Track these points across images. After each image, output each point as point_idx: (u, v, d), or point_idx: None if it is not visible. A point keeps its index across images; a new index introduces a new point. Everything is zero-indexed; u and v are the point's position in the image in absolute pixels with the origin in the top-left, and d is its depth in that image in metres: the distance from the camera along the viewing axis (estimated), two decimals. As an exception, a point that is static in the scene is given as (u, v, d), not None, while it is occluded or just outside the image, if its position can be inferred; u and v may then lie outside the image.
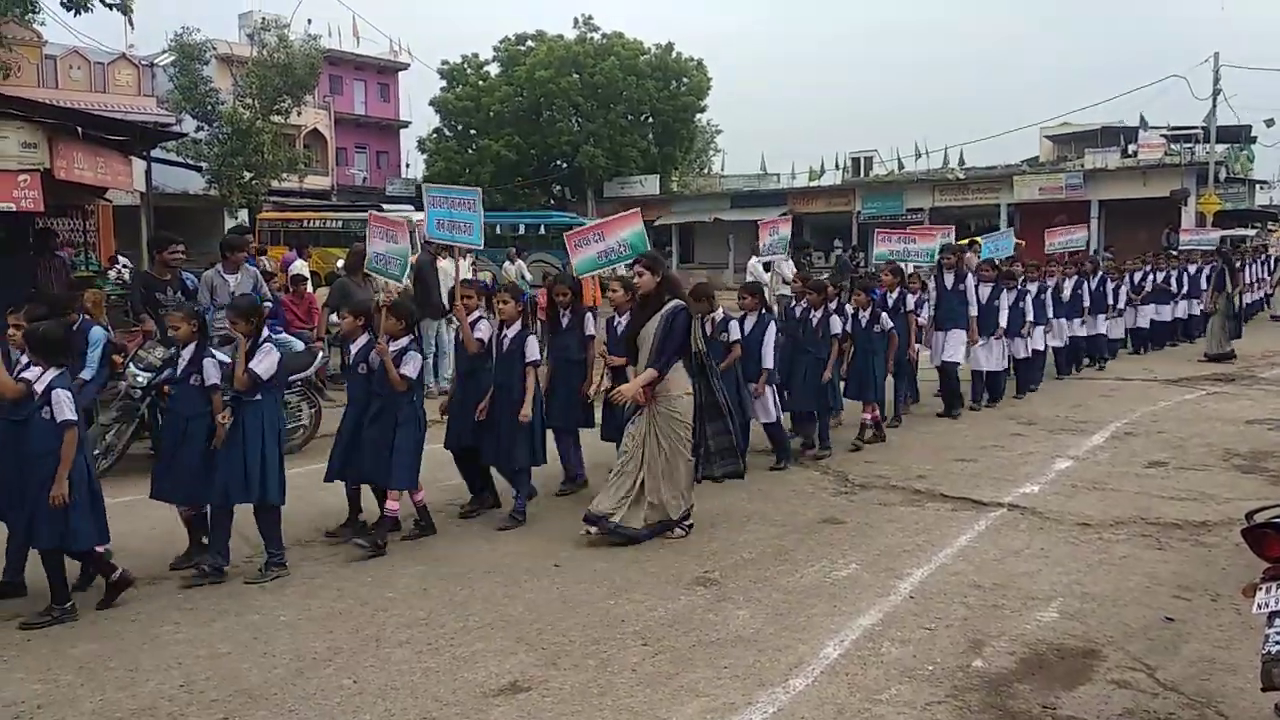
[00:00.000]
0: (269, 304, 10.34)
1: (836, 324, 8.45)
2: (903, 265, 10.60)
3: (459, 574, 5.59)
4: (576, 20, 45.56)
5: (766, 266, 15.24)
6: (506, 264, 22.32)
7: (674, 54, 44.82)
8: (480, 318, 6.75)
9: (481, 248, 7.28)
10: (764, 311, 8.12)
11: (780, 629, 4.77)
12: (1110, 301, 13.94)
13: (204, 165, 28.04)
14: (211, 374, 5.50)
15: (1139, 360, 15.00)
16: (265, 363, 5.55)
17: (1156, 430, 9.57)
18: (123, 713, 3.98)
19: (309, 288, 13.05)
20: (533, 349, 6.57)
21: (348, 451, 6.13)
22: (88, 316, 8.70)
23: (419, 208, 34.68)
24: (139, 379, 7.84)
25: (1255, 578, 3.62)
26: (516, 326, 6.65)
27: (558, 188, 47.98)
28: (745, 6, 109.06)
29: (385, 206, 31.98)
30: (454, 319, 12.01)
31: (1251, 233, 31.42)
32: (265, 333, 5.69)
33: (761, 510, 6.91)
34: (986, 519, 6.63)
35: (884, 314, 9.15)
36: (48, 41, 27.03)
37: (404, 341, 6.14)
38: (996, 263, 11.35)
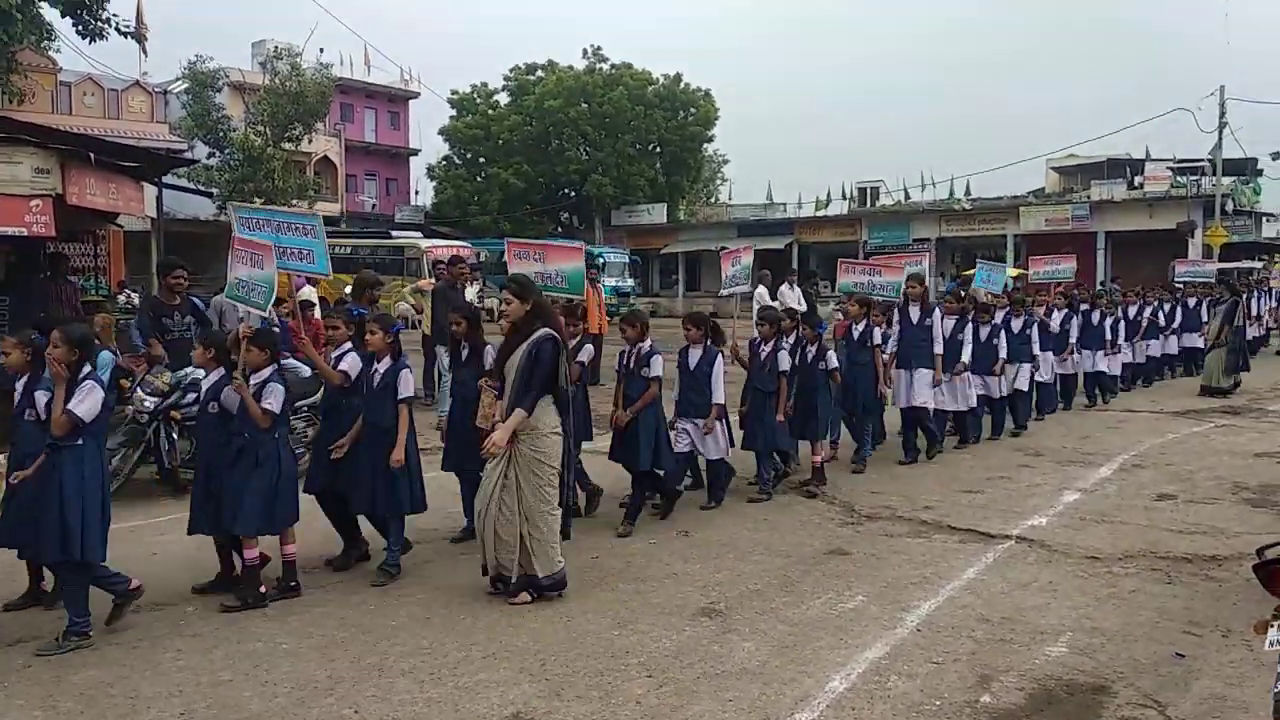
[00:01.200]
0: (277, 328, 10.38)
1: (785, 360, 8.01)
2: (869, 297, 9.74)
3: (462, 602, 5.56)
4: (585, 51, 46.20)
5: (773, 295, 15.28)
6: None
7: (682, 84, 45.26)
8: (349, 350, 6.27)
9: (328, 275, 6.75)
10: (709, 343, 7.59)
11: (786, 662, 4.73)
12: (1109, 337, 13.47)
13: (215, 191, 28.27)
14: (44, 407, 5.02)
15: (1144, 393, 14.90)
16: (87, 403, 4.91)
17: (1165, 463, 9.52)
18: (122, 741, 3.96)
19: (317, 313, 13.07)
20: (406, 385, 6.01)
21: (207, 501, 5.59)
22: (96, 340, 8.73)
23: (427, 235, 34.87)
24: (146, 403, 7.86)
25: (1267, 614, 3.57)
26: (388, 360, 6.06)
27: (566, 216, 48.30)
28: (753, 38, 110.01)
29: (394, 233, 32.28)
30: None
31: (1258, 265, 31.40)
32: (87, 368, 5.03)
33: (767, 540, 6.87)
34: (994, 551, 6.58)
35: (830, 352, 8.57)
36: (62, 69, 27.35)
37: (266, 373, 5.62)
38: (961, 294, 10.85)
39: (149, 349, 8.37)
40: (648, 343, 7.32)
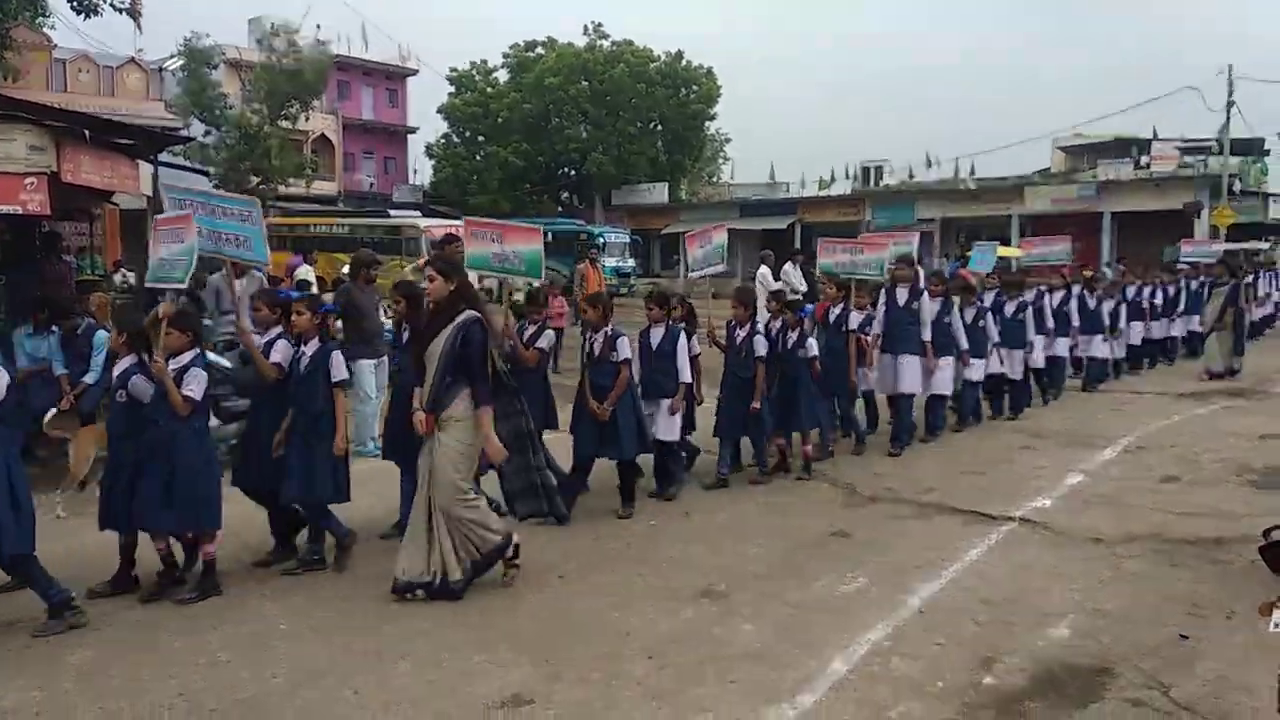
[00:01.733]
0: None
1: (761, 344, 7.75)
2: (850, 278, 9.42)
3: (462, 584, 5.53)
4: (586, 27, 45.89)
5: (776, 276, 15.22)
6: (514, 271, 22.27)
7: (683, 62, 44.96)
8: (278, 336, 5.88)
9: (267, 263, 6.27)
10: (672, 322, 7.43)
11: (788, 644, 4.70)
12: (1107, 321, 13.00)
13: (211, 170, 28.14)
14: None
15: (1148, 375, 14.80)
16: None
17: (1169, 445, 9.46)
18: (120, 722, 3.93)
19: (314, 292, 13.03)
20: (338, 367, 5.76)
21: (122, 494, 5.28)
22: (92, 320, 8.70)
23: (426, 214, 34.75)
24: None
25: (1271, 596, 3.55)
26: (315, 342, 5.80)
27: (566, 195, 48.13)
28: (756, 15, 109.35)
29: (392, 213, 32.20)
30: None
31: (1265, 245, 31.29)
32: None
33: (769, 522, 6.84)
34: (997, 533, 6.55)
35: (810, 339, 8.23)
36: (57, 45, 27.18)
37: (187, 357, 5.35)
38: (946, 275, 10.48)
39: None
40: (610, 325, 7.01)
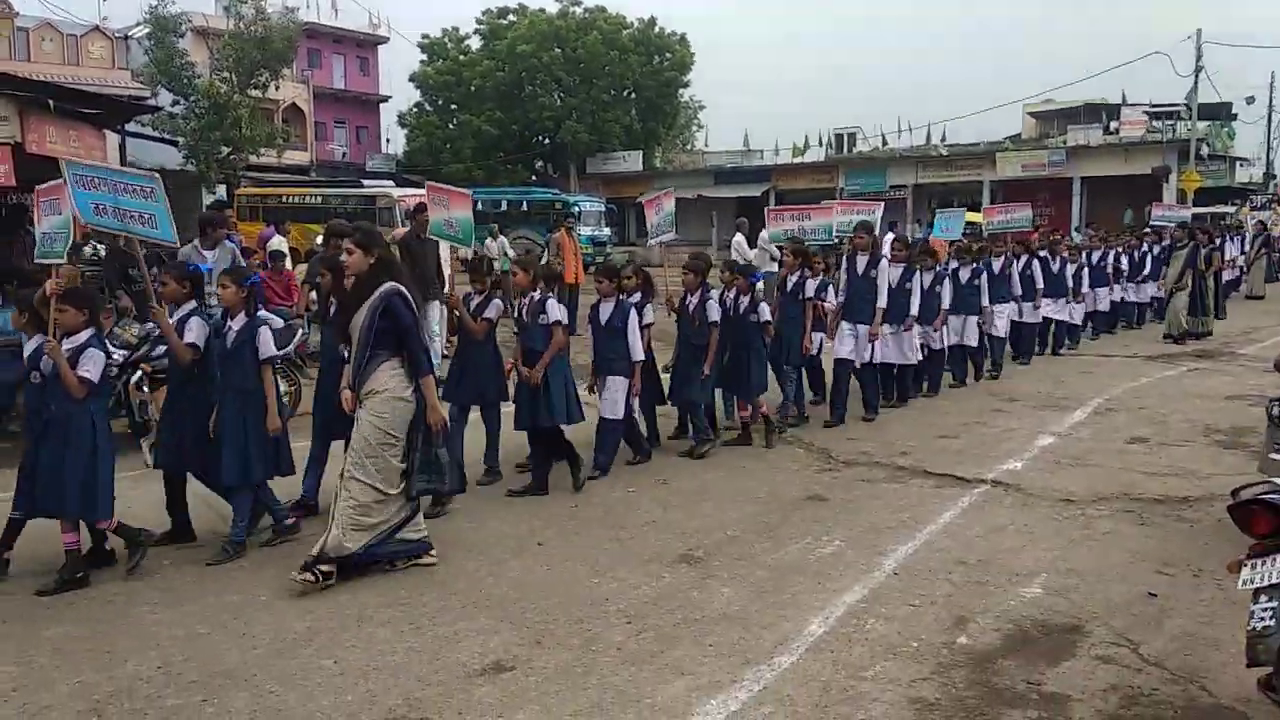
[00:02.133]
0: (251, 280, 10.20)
1: (714, 310, 7.63)
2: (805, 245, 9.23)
3: (441, 552, 5.50)
4: (558, -8, 45.23)
5: (751, 243, 15.22)
6: (489, 240, 22.12)
7: (656, 28, 44.63)
8: (191, 313, 5.60)
9: (174, 242, 6.05)
10: (624, 295, 7.27)
11: (765, 606, 4.75)
12: (1071, 285, 13.07)
13: (180, 140, 27.72)
14: None
15: (1115, 338, 14.97)
16: None
17: (1138, 406, 9.60)
18: (100, 695, 3.92)
19: (288, 264, 12.90)
20: (266, 344, 5.53)
21: (29, 476, 5.08)
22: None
23: (399, 184, 34.39)
24: (114, 356, 7.70)
25: (1238, 553, 3.62)
26: (242, 317, 5.58)
27: (540, 163, 47.77)
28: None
29: (365, 182, 31.87)
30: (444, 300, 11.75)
31: (1231, 209, 31.64)
32: None
33: (745, 487, 6.89)
34: (970, 495, 6.63)
35: (762, 304, 8.08)
36: (19, 13, 26.58)
37: (83, 337, 5.10)
38: (908, 241, 10.40)
39: (115, 301, 8.22)
40: (538, 290, 6.87)
